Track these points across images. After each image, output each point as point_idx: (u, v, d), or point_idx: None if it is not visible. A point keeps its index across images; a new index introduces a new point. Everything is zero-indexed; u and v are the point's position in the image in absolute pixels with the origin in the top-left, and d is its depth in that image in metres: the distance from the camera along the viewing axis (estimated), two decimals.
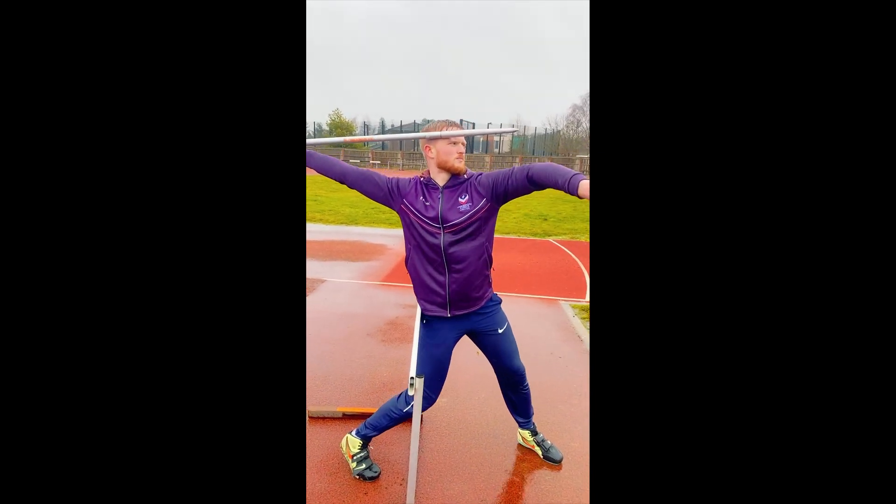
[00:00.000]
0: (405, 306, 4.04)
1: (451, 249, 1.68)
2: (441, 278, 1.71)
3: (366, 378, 2.72)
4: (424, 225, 1.68)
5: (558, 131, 39.38)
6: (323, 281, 4.70)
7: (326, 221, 8.58)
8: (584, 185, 1.40)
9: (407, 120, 34.18)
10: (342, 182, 1.83)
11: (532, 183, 1.60)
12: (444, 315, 1.76)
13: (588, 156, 33.35)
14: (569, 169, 1.52)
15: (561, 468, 2.01)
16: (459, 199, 1.68)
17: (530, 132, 37.46)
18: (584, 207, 12.18)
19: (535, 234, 8.06)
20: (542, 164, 1.58)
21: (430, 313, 1.77)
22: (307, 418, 2.27)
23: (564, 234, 8.26)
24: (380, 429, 1.89)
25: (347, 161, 30.01)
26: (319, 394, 2.51)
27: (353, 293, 4.37)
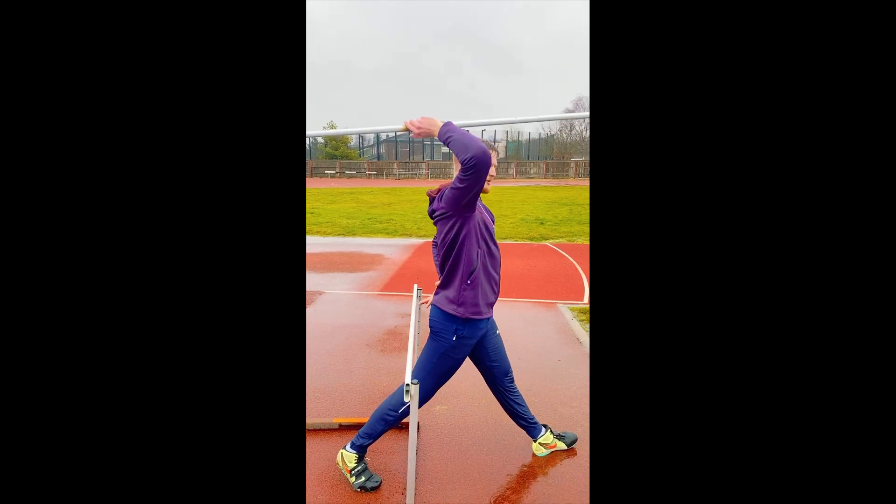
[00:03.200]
0: (404, 316, 4.04)
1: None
2: (498, 278, 1.85)
3: (365, 388, 2.72)
4: (490, 228, 1.81)
5: (552, 135, 39.54)
6: (321, 293, 4.70)
7: (324, 233, 8.59)
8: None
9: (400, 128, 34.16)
10: (486, 167, 1.55)
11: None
12: (490, 315, 1.86)
13: (583, 159, 33.25)
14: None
15: (578, 471, 2.01)
16: (487, 209, 1.92)
17: (524, 137, 37.64)
18: (580, 210, 12.20)
19: (532, 239, 8.07)
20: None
21: (484, 316, 1.81)
22: (306, 432, 2.27)
23: (561, 237, 8.27)
24: (375, 435, 1.89)
25: (343, 172, 30.04)
26: (319, 406, 2.50)
27: (352, 304, 4.37)
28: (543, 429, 2.12)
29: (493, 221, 1.89)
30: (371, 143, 35.36)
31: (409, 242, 7.72)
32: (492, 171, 1.78)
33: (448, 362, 1.81)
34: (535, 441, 2.11)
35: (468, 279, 1.73)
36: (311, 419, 2.33)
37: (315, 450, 2.12)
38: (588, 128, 41.36)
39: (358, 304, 4.36)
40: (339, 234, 8.52)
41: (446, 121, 1.64)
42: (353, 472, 1.88)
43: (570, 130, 40.10)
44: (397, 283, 5.10)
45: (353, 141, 35.42)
